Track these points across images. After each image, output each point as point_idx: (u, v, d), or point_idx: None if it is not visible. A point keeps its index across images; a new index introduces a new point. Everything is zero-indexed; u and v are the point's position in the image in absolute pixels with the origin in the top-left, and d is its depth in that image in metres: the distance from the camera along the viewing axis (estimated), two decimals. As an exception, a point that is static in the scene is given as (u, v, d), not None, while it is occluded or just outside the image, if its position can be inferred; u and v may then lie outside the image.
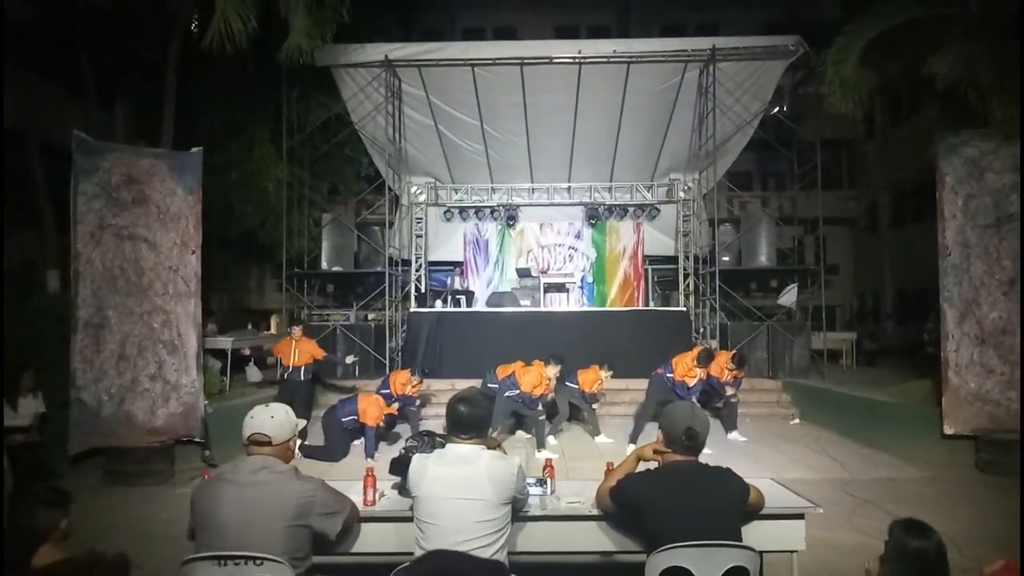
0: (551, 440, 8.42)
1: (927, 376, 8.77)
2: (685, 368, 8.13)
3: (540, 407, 8.15)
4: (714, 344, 12.19)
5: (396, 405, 8.24)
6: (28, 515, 2.49)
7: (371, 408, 7.63)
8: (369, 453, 7.48)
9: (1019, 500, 4.58)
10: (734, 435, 8.58)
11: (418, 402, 8.85)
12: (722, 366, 8.49)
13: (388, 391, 8.44)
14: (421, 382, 8.65)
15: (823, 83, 9.49)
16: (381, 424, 7.82)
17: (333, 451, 7.65)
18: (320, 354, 9.18)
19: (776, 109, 13.49)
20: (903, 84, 16.88)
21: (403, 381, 8.44)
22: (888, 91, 17.87)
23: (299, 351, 8.95)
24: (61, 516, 2.57)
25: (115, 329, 7.12)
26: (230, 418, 7.35)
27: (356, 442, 7.91)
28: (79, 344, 6.92)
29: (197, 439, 7.40)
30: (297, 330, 9.24)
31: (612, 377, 8.57)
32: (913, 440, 7.79)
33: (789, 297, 12.56)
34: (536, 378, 8.00)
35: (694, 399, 7.99)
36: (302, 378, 8.99)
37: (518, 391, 8.01)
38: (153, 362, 7.30)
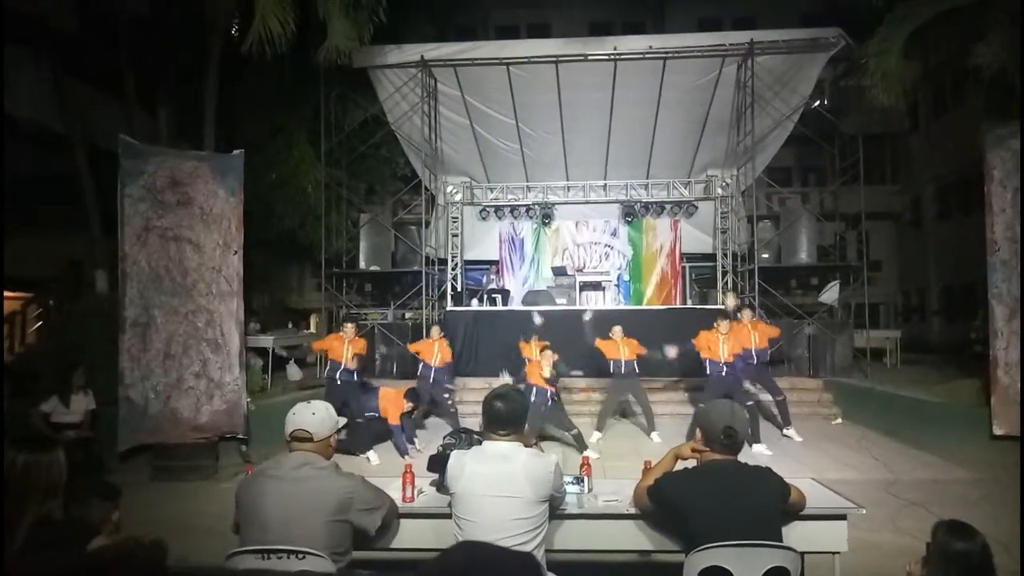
0: (596, 434, 8.43)
1: (975, 375, 8.54)
2: (705, 342, 8.09)
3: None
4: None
5: (410, 405, 7.86)
6: (83, 507, 2.57)
7: (391, 406, 7.63)
8: (402, 451, 7.49)
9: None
10: (791, 431, 8.39)
11: (447, 379, 9.24)
12: (748, 331, 8.31)
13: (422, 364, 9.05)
14: (442, 337, 9.23)
15: (865, 75, 9.29)
16: (412, 413, 7.88)
17: (355, 444, 7.68)
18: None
19: (816, 103, 13.24)
20: (947, 74, 16.44)
21: (419, 348, 9.07)
22: (932, 82, 17.42)
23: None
24: (112, 509, 2.65)
25: (161, 328, 7.29)
26: (271, 415, 7.50)
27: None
28: (126, 343, 7.10)
29: (240, 435, 7.55)
30: (350, 327, 8.52)
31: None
32: (960, 441, 7.59)
33: (831, 294, 12.34)
34: (532, 364, 8.15)
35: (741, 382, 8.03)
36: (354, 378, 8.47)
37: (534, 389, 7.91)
38: (197, 360, 7.46)
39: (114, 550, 2.54)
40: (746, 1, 20.13)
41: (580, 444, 7.86)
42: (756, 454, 7.41)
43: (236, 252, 7.72)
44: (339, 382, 8.21)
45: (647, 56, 11.75)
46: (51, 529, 2.39)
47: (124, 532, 2.75)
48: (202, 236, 7.56)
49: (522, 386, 8.16)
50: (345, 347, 8.25)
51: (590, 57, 11.84)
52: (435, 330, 9.52)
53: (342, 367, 8.20)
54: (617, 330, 8.72)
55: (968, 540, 2.24)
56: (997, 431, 7.31)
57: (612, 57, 11.78)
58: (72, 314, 8.62)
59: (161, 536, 2.63)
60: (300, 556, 2.33)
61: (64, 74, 11.20)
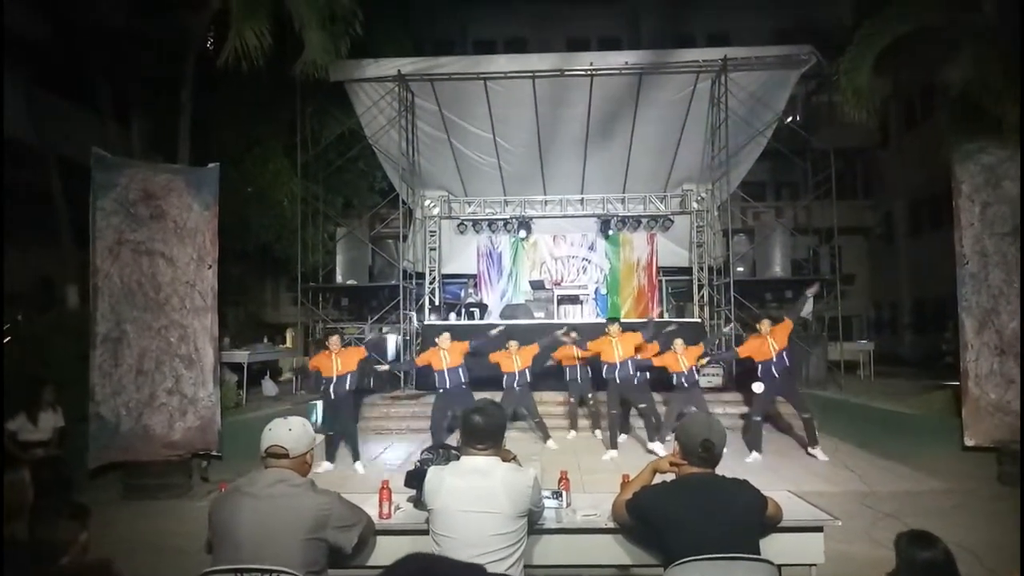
0: (550, 444, 8.88)
1: (946, 387, 8.66)
2: (755, 346, 8.38)
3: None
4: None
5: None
6: (49, 528, 2.51)
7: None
8: None
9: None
10: (754, 456, 8.22)
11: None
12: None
13: None
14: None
15: (837, 92, 9.45)
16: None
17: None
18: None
19: (789, 119, 13.44)
20: (917, 91, 16.80)
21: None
22: (902, 98, 17.79)
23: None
24: (80, 530, 2.59)
25: (133, 344, 7.18)
26: (246, 432, 7.40)
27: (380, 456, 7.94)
28: (98, 359, 6.98)
29: (215, 452, 7.44)
30: (335, 339, 8.21)
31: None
32: (933, 452, 7.68)
33: (805, 308, 12.46)
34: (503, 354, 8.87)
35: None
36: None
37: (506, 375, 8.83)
38: (170, 376, 7.36)
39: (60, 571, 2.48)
40: (720, 18, 20.43)
41: (544, 432, 8.97)
42: (750, 462, 7.81)
43: (210, 266, 7.65)
44: (332, 396, 7.89)
45: (623, 72, 11.88)
46: (15, 551, 2.32)
47: (92, 553, 2.69)
48: (176, 250, 7.48)
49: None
50: (333, 360, 7.93)
51: (567, 72, 11.94)
52: (445, 336, 8.59)
53: (333, 380, 7.88)
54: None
55: (931, 548, 2.28)
56: (968, 442, 7.42)
57: (589, 72, 11.88)
58: (41, 330, 8.45)
59: (108, 556, 2.57)
60: (274, 575, 2.29)
61: (36, 85, 11.06)
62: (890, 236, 20.41)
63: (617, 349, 8.36)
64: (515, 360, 8.73)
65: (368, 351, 8.60)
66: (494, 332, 9.00)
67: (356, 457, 7.90)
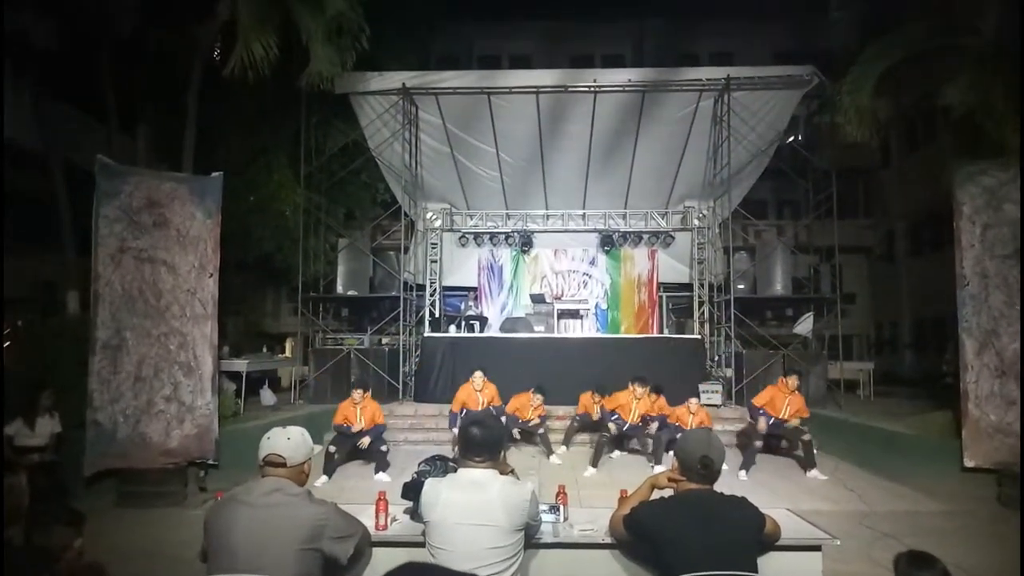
0: (553, 459, 8.94)
1: (946, 407, 8.64)
2: (768, 396, 8.55)
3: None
4: (728, 372, 12.10)
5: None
6: (45, 534, 2.50)
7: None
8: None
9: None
10: (742, 474, 8.22)
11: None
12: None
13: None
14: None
15: (838, 112, 9.50)
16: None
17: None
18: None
19: (791, 138, 13.49)
20: (919, 112, 16.86)
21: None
22: (904, 119, 17.85)
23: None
24: (75, 536, 2.59)
25: (132, 351, 7.18)
26: (244, 441, 7.38)
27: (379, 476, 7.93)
28: (97, 365, 6.97)
29: (211, 461, 7.41)
30: (358, 392, 8.27)
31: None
32: (933, 473, 7.66)
33: (805, 326, 12.46)
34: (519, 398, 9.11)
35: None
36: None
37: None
38: (169, 384, 7.35)
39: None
40: (723, 37, 20.57)
41: (547, 447, 9.07)
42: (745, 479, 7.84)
43: (212, 275, 7.66)
44: (367, 439, 7.98)
45: (626, 89, 11.94)
46: (10, 556, 2.32)
47: (87, 559, 2.68)
48: (178, 258, 7.50)
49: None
50: (358, 414, 8.08)
51: (571, 89, 12.00)
52: (478, 375, 9.02)
53: (362, 429, 8.01)
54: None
55: (929, 569, 2.27)
56: (968, 463, 7.40)
57: (592, 89, 11.95)
58: (42, 335, 8.44)
59: (98, 560, 2.56)
60: (269, 585, 2.28)
61: (43, 93, 11.11)
62: (891, 256, 20.45)
63: (635, 411, 8.70)
64: (530, 410, 9.05)
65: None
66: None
67: (383, 467, 7.97)
